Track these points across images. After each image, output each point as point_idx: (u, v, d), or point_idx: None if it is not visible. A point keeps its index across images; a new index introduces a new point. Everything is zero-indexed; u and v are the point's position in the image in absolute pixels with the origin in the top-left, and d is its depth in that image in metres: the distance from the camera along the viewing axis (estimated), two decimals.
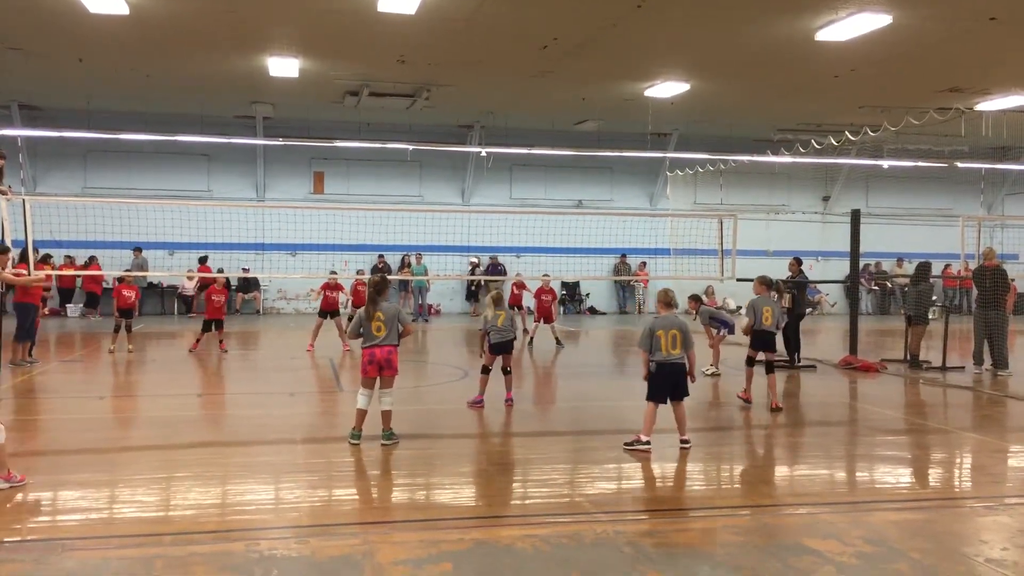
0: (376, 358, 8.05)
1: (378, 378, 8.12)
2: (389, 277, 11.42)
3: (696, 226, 17.61)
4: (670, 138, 25.57)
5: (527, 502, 6.60)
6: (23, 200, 13.26)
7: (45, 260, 21.26)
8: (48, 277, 12.85)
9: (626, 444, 7.98)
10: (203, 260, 23.06)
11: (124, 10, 13.43)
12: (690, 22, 14.17)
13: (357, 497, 6.68)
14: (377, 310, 8.09)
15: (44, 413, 10.00)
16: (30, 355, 13.35)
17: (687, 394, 8.15)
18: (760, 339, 10.52)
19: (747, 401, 10.49)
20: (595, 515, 6.01)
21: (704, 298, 16.76)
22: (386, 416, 8.11)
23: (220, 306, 15.29)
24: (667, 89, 19.13)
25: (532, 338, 17.11)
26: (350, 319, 16.67)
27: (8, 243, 12.45)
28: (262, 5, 13.58)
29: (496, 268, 24.82)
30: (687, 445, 7.94)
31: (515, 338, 10.24)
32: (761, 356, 10.56)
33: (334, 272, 16.78)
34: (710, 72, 17.78)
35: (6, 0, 13.21)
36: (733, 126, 23.83)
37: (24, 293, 13.16)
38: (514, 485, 7.05)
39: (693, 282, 16.84)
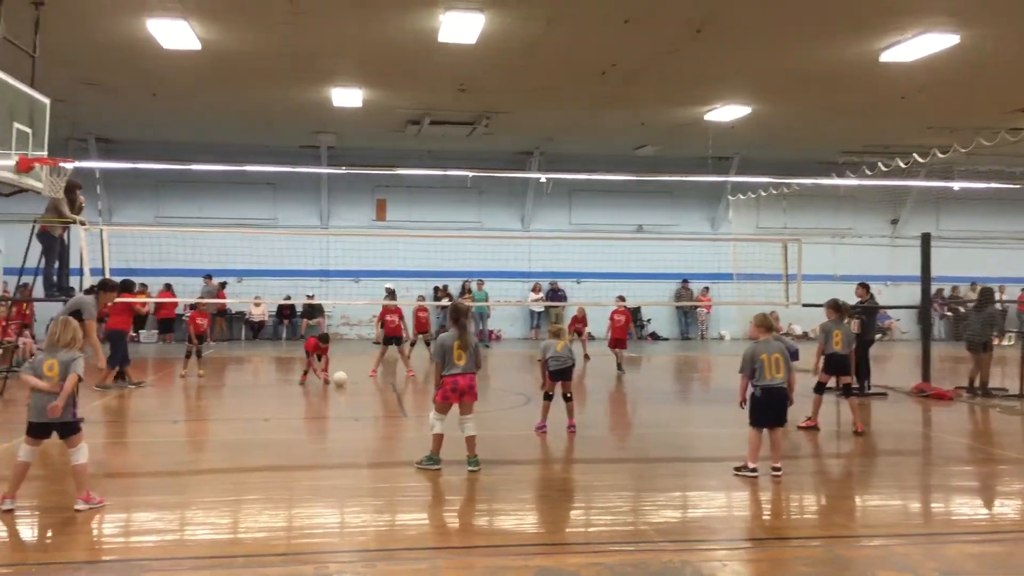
0: (459, 386, 8.05)
1: (457, 405, 8.14)
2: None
3: (759, 251, 17.37)
4: (732, 161, 25.37)
5: (590, 529, 6.56)
6: (100, 230, 13.76)
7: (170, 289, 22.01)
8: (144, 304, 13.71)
9: (736, 469, 7.92)
10: (222, 286, 23.57)
11: (196, 45, 13.92)
12: (751, 46, 14.11)
13: (422, 522, 6.71)
14: (462, 337, 8.12)
15: (120, 436, 10.29)
16: (119, 379, 13.76)
17: (786, 420, 8.03)
18: (833, 363, 10.47)
19: (814, 428, 10.32)
20: (660, 544, 5.94)
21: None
22: (471, 442, 8.11)
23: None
24: (728, 113, 19.02)
25: (620, 363, 16.79)
26: (412, 345, 16.94)
27: (86, 271, 12.84)
28: (327, 38, 13.94)
29: (556, 294, 24.81)
30: (779, 472, 7.80)
31: (573, 364, 10.23)
32: (831, 383, 10.52)
33: (389, 288, 16.95)
34: (772, 95, 17.63)
35: (85, 39, 13.79)
36: (797, 149, 23.54)
37: (115, 320, 13.82)
38: (577, 512, 7.02)
39: (757, 308, 16.56)
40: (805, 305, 15.24)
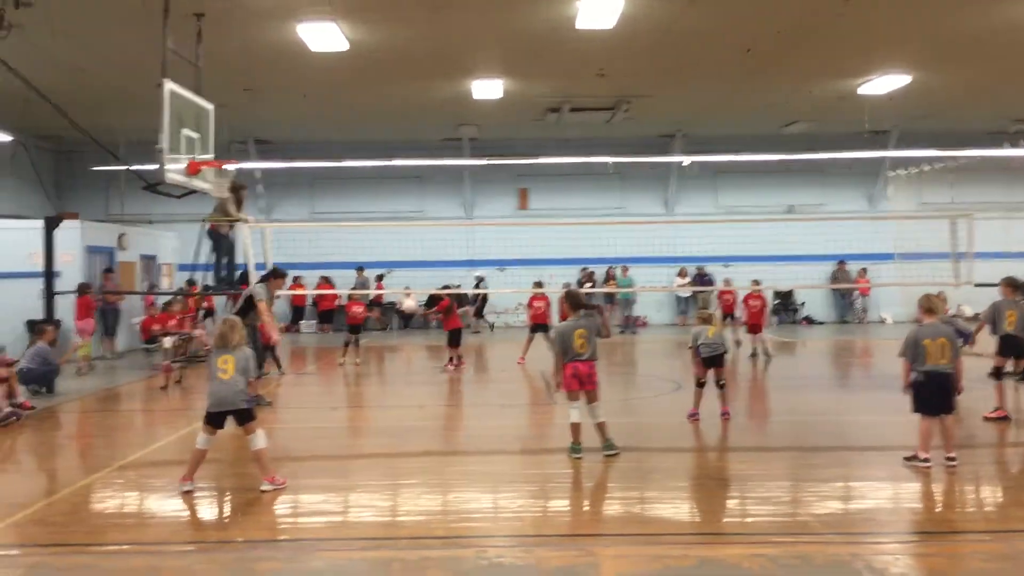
0: (579, 372, 8.10)
1: (583, 392, 8.15)
2: (595, 289, 11.46)
3: (924, 228, 16.35)
4: (889, 135, 23.99)
5: (749, 520, 6.38)
6: (262, 228, 14.53)
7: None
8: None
9: (906, 458, 7.53)
10: (380, 278, 24.25)
11: (344, 46, 14.41)
12: (907, 9, 13.25)
13: (576, 508, 6.73)
14: (581, 325, 8.15)
15: (284, 422, 10.84)
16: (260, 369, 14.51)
17: (955, 407, 7.59)
18: (1008, 345, 9.76)
19: (1003, 419, 9.55)
20: (825, 535, 5.72)
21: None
22: (601, 428, 8.12)
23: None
24: (884, 84, 17.97)
25: (754, 351, 16.32)
26: None
27: (251, 266, 13.55)
28: (467, 32, 14.12)
29: (703, 278, 24.29)
30: (953, 463, 7.36)
31: (726, 351, 9.97)
32: (1009, 366, 9.76)
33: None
34: (934, 62, 16.52)
35: (241, 48, 14.54)
36: (962, 119, 21.98)
37: None
38: (735, 501, 6.85)
39: (921, 289, 15.64)
40: (977, 285, 14.25)
